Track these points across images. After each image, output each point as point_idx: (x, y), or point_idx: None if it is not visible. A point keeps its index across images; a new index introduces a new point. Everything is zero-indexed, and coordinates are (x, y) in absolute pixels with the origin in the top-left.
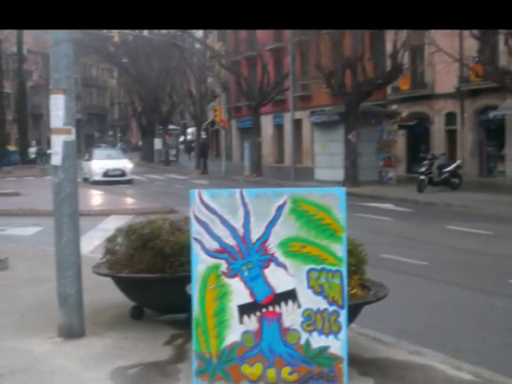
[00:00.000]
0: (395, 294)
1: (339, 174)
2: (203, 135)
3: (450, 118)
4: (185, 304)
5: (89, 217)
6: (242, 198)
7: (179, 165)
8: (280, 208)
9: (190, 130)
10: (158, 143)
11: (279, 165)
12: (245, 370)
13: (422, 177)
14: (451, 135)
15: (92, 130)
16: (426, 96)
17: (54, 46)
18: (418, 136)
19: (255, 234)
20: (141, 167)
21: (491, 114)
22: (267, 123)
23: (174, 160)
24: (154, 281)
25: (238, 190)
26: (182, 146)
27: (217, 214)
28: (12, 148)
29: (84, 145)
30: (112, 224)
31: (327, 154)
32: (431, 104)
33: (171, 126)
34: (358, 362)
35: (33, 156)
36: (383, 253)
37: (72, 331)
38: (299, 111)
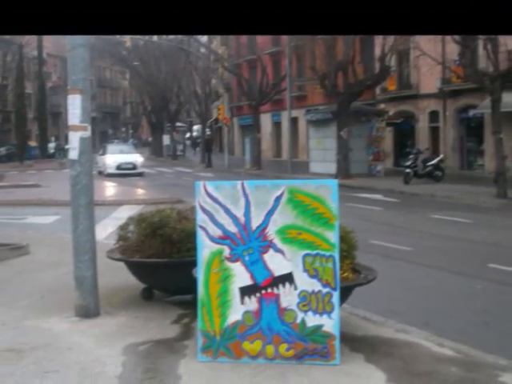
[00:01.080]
0: (383, 277)
1: (332, 168)
2: (208, 132)
3: (434, 116)
4: (191, 286)
5: (103, 206)
6: (244, 189)
7: (186, 159)
8: (278, 198)
9: (195, 127)
10: (166, 139)
11: (277, 159)
12: (246, 346)
13: (408, 170)
14: (434, 132)
15: (106, 127)
16: (411, 96)
17: (71, 51)
18: (404, 132)
19: (255, 222)
20: (151, 161)
21: (471, 113)
22: (266, 121)
23: (181, 154)
24: (163, 265)
25: (239, 182)
26: (188, 142)
27: (220, 203)
28: (33, 143)
29: (99, 140)
30: (124, 213)
31: (321, 149)
32: (416, 103)
33: (178, 124)
34: (350, 339)
35: (52, 151)
36: (372, 239)
37: (87, 311)
38: (295, 110)
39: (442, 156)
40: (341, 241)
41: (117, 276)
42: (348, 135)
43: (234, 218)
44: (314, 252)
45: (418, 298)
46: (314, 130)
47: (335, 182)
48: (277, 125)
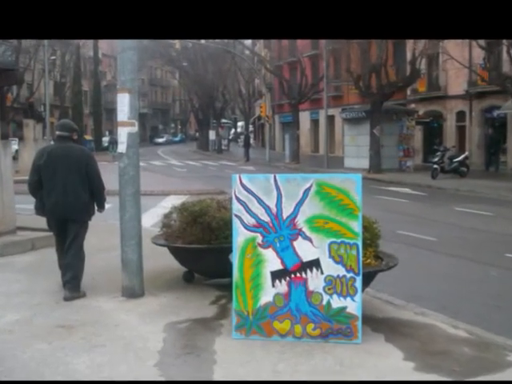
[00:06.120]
0: (407, 265)
1: (365, 163)
2: (248, 129)
3: (460, 115)
4: (228, 270)
5: (152, 196)
6: (276, 181)
7: (230, 153)
8: (307, 190)
9: (239, 124)
10: (212, 134)
11: (315, 154)
12: (276, 325)
13: (435, 166)
14: (461, 130)
15: (156, 123)
16: (439, 97)
17: (121, 53)
18: (432, 131)
19: (286, 212)
20: (197, 154)
21: (495, 113)
22: (305, 118)
23: (225, 149)
24: (203, 250)
25: (272, 175)
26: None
27: (254, 194)
28: (87, 137)
29: (149, 135)
30: (171, 202)
31: (355, 145)
32: (444, 104)
33: (224, 120)
34: (372, 320)
35: (105, 144)
36: (399, 229)
37: (133, 292)
38: (332, 108)
39: (467, 153)
40: (364, 230)
41: (161, 260)
42: (380, 133)
43: (267, 208)
44: (339, 240)
45: (438, 284)
46: (349, 128)
47: (359, 176)
48: (315, 122)
